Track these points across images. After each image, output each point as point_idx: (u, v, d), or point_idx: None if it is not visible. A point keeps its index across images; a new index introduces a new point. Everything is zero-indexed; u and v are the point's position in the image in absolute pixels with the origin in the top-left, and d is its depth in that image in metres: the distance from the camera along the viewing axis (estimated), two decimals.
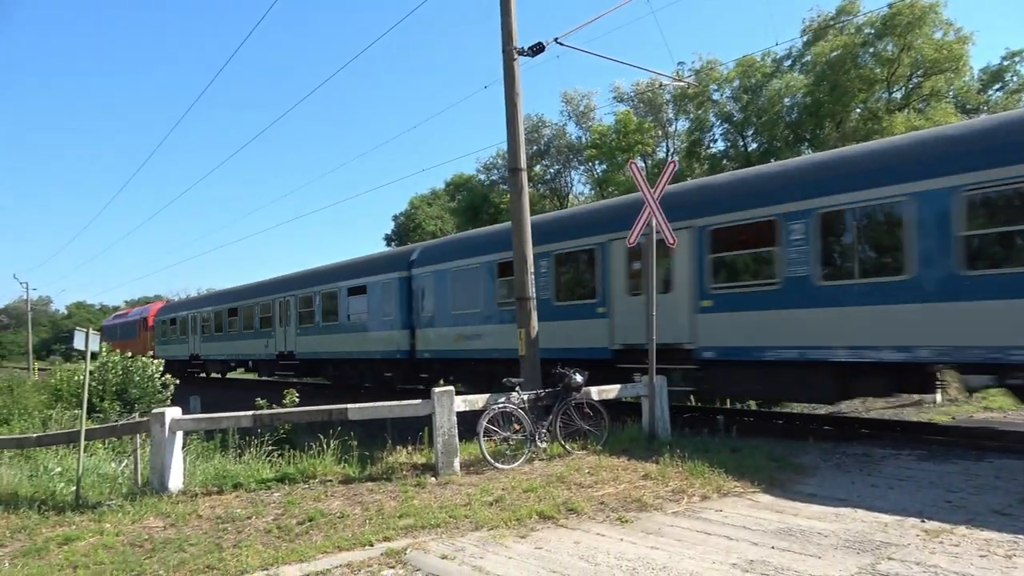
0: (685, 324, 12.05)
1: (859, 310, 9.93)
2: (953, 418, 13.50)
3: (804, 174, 11.12)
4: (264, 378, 30.28)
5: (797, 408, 14.92)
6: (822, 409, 14.59)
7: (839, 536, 5.67)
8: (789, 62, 33.46)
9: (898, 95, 30.91)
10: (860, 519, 6.15)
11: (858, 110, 30.39)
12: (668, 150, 40.29)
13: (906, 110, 29.23)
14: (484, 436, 8.82)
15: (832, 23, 30.83)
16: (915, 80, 30.20)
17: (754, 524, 6.09)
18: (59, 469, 10.35)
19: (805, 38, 31.72)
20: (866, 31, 29.18)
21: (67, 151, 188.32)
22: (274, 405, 11.14)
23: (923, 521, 5.99)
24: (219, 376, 34.68)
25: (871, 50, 28.95)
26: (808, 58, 31.88)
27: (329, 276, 23.61)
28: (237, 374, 34.80)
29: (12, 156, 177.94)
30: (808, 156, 18.00)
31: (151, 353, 17.83)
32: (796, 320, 10.64)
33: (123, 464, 10.30)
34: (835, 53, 29.12)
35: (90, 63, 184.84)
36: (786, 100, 31.92)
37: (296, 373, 25.66)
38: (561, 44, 11.61)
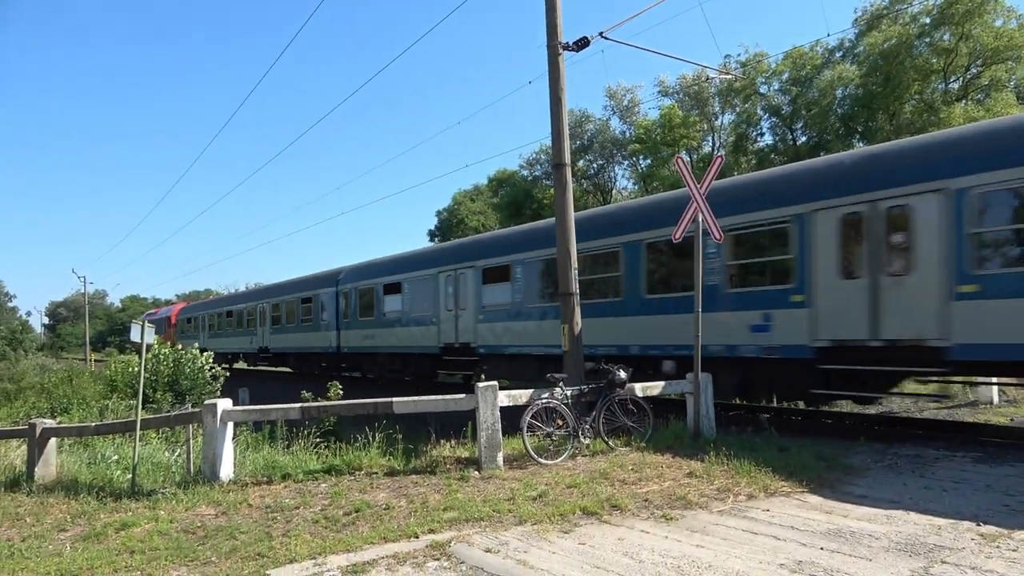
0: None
1: None
2: (1011, 419, 13.03)
3: None
4: (249, 367, 37.59)
5: (847, 407, 14.60)
6: (872, 409, 14.24)
7: (890, 538, 5.54)
8: (840, 53, 32.66)
9: (955, 86, 29.92)
10: (912, 521, 6.00)
11: (912, 101, 29.51)
12: (714, 145, 39.73)
13: (964, 101, 28.31)
14: (527, 431, 8.84)
15: (886, 12, 29.98)
16: (973, 70, 29.20)
17: (802, 524, 5.98)
18: (116, 457, 10.70)
19: (857, 28, 30.92)
20: (922, 20, 28.31)
21: (122, 150, 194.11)
22: (319, 398, 11.33)
23: (979, 525, 5.81)
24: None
25: (927, 40, 28.07)
26: (860, 49, 31.07)
27: (286, 289, 31.35)
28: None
29: (71, 156, 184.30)
30: None
31: (179, 346, 19.29)
32: None
33: (176, 453, 10.60)
34: (889, 43, 28.33)
35: (143, 66, 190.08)
36: (838, 92, 31.16)
37: (269, 363, 33.50)
38: (606, 39, 11.52)
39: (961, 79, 29.83)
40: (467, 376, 19.71)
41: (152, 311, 61.02)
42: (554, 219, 11.73)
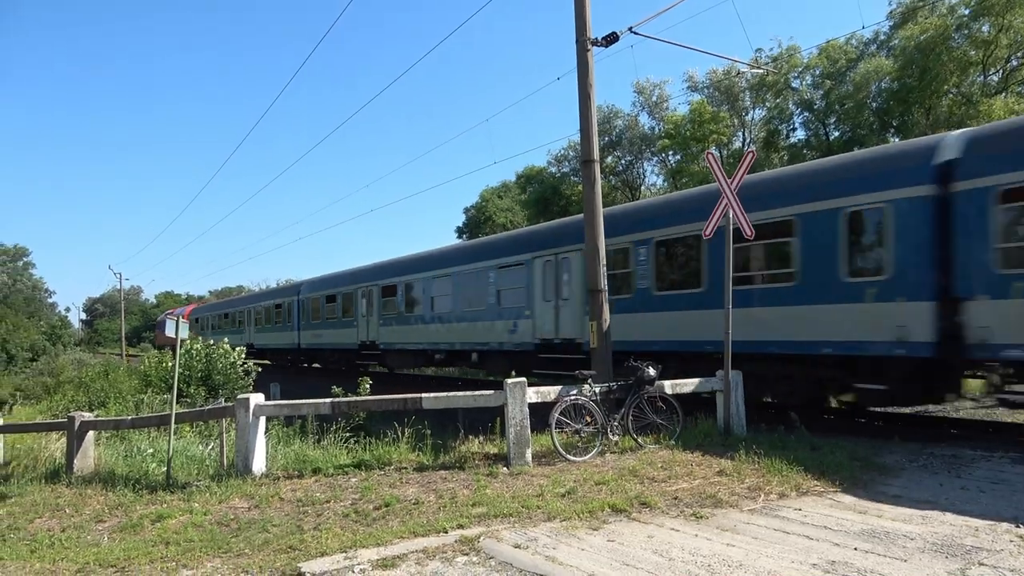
0: None
1: None
2: None
3: None
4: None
5: (880, 407, 14.35)
6: (907, 408, 13.98)
7: (926, 539, 5.44)
8: (875, 46, 32.06)
9: (994, 79, 29.20)
10: (949, 522, 5.89)
11: (950, 95, 28.86)
12: (744, 140, 39.27)
13: (1004, 94, 27.62)
14: (556, 428, 8.83)
15: (922, 4, 29.34)
16: (1014, 62, 28.47)
17: (835, 524, 5.90)
18: (151, 450, 10.92)
19: (892, 21, 30.31)
20: (960, 12, 27.66)
21: (157, 151, 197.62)
22: (349, 393, 11.43)
23: (1018, 526, 5.69)
24: None
25: (965, 32, 27.42)
26: (896, 42, 30.46)
27: (262, 297, 38.53)
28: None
29: (108, 158, 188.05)
30: None
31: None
32: None
33: (209, 447, 10.78)
34: (925, 36, 27.71)
35: (177, 69, 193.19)
36: (872, 86, 30.58)
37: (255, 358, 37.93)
38: (636, 34, 11.43)
39: (1001, 71, 29.10)
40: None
41: (169, 311, 67.63)
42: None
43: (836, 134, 33.31)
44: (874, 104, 30.95)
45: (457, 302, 20.18)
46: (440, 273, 21.14)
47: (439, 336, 21.23)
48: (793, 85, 34.66)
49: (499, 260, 18.53)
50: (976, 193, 9.36)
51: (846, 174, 11.10)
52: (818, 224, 10.99)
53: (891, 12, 30.34)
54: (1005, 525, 5.73)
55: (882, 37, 31.68)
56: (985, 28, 27.15)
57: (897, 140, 27.39)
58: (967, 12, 27.33)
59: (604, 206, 11.91)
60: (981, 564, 4.88)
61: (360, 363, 26.58)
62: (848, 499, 6.73)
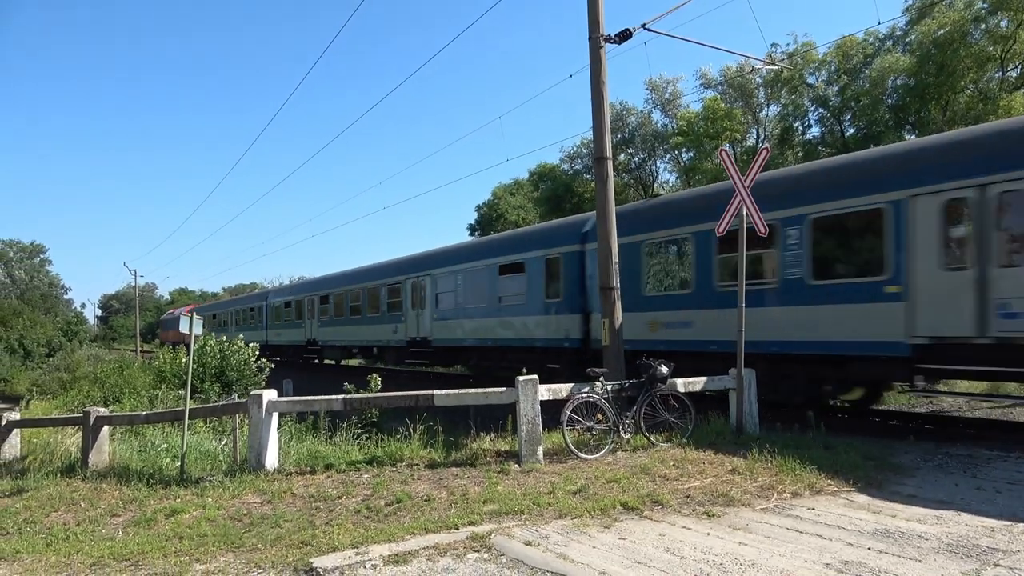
0: None
1: None
2: None
3: None
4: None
5: (895, 406, 14.25)
6: (922, 408, 13.87)
7: (941, 540, 5.39)
8: (891, 42, 31.71)
9: (1013, 74, 28.83)
10: (964, 523, 5.83)
11: (968, 91, 28.50)
12: (758, 137, 39.01)
13: (1023, 90, 27.26)
14: (567, 425, 8.81)
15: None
16: None
17: (849, 524, 5.86)
18: (165, 445, 10.98)
19: (908, 16, 29.97)
20: (977, 6, 27.29)
21: (171, 149, 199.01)
22: (361, 390, 11.46)
23: None
24: None
25: (983, 26, 27.07)
26: (912, 37, 30.12)
27: (238, 302, 44.21)
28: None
29: (123, 156, 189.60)
30: None
31: None
32: None
33: (223, 442, 10.83)
34: (943, 31, 27.39)
35: (193, 65, 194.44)
36: (888, 82, 30.26)
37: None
38: (649, 30, 11.37)
39: (1020, 67, 28.71)
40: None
41: (172, 311, 72.65)
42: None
43: (851, 131, 33.02)
44: (890, 101, 30.64)
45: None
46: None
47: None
48: (809, 81, 34.36)
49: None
50: (592, 251, 14.51)
51: (548, 232, 18.11)
52: (531, 264, 17.58)
53: (907, 7, 30.01)
54: (1022, 526, 5.66)
55: (898, 33, 31.33)
56: (1003, 23, 26.80)
57: (913, 137, 27.13)
58: (985, 6, 26.98)
59: (617, 204, 11.87)
60: (997, 565, 4.82)
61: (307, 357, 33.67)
62: (862, 499, 6.67)
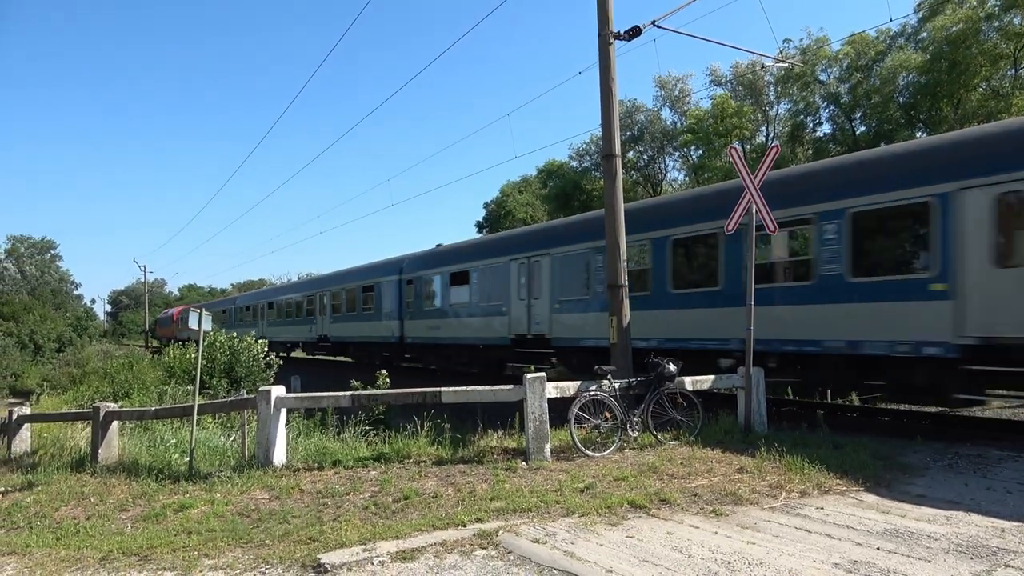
0: None
1: None
2: None
3: None
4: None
5: (904, 405, 14.16)
6: (932, 407, 13.77)
7: (950, 540, 5.36)
8: (903, 39, 31.51)
9: None
10: (974, 523, 5.79)
11: (980, 88, 28.29)
12: (768, 135, 38.86)
13: None
14: (575, 423, 8.80)
15: None
16: None
17: (858, 523, 5.83)
18: (174, 441, 11.03)
19: (920, 13, 29.76)
20: (990, 3, 27.08)
21: (180, 144, 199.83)
22: (369, 387, 11.48)
23: None
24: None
25: (996, 24, 26.85)
26: (924, 35, 29.91)
27: (225, 303, 49.66)
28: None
29: (132, 153, 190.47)
30: None
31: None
32: None
33: (231, 438, 10.88)
34: (955, 28, 27.19)
35: (201, 60, 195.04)
36: (900, 79, 30.05)
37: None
38: (659, 27, 11.34)
39: None
40: None
41: (168, 310, 75.28)
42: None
43: (863, 129, 32.85)
44: (901, 98, 30.45)
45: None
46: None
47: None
48: (820, 78, 34.17)
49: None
50: (405, 281, 24.73)
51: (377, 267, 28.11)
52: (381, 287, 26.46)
53: (919, 4, 29.80)
54: None
55: (910, 30, 31.12)
56: (1016, 20, 26.59)
57: (924, 135, 26.95)
58: (998, 4, 26.76)
59: (625, 201, 11.84)
60: (1007, 566, 4.79)
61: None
62: (871, 498, 6.64)
